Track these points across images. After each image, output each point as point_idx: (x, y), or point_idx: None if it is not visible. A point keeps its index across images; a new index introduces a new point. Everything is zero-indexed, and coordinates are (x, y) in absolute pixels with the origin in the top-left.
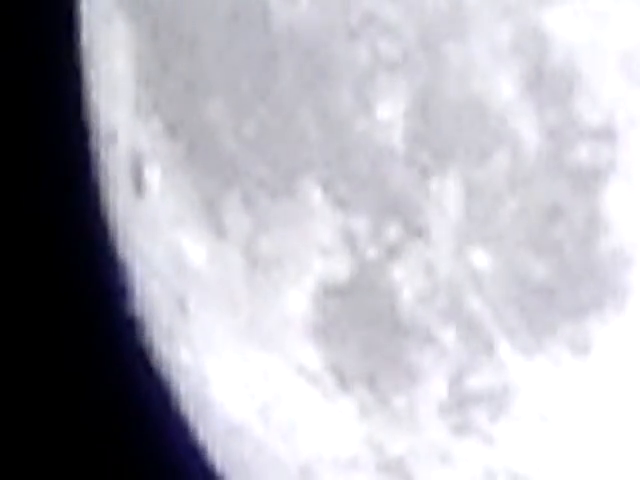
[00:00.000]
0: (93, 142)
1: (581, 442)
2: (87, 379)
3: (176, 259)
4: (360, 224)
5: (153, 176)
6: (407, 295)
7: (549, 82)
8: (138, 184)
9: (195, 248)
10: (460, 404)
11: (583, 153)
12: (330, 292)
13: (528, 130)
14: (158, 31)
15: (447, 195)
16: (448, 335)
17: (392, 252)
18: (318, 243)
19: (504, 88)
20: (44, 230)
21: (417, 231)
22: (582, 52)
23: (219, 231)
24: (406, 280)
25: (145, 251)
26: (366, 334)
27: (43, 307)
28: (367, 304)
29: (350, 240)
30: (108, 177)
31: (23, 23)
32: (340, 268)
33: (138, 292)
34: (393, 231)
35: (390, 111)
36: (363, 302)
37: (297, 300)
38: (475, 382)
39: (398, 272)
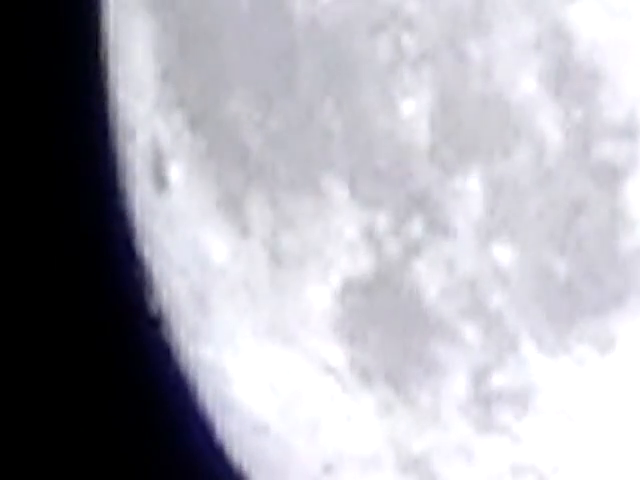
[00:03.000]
0: (115, 138)
1: (605, 439)
2: (108, 377)
3: (198, 256)
4: (383, 220)
5: (175, 172)
6: (430, 292)
7: (572, 78)
8: (160, 180)
9: (218, 245)
10: (484, 402)
11: (606, 149)
12: (353, 288)
13: (551, 126)
14: (180, 26)
15: (470, 191)
16: (471, 332)
17: (415, 248)
18: (341, 239)
19: (527, 84)
20: (65, 227)
21: (440, 227)
22: (605, 48)
23: (242, 227)
24: (429, 277)
25: (167, 248)
26: (389, 331)
27: (64, 305)
28: (390, 301)
29: (373, 236)
30: (130, 173)
31: (46, 19)
32: (363, 264)
33: (160, 289)
34: (416, 227)
35: (413, 107)
36: (386, 299)
37: (320, 297)
38: (499, 379)
39: (421, 268)
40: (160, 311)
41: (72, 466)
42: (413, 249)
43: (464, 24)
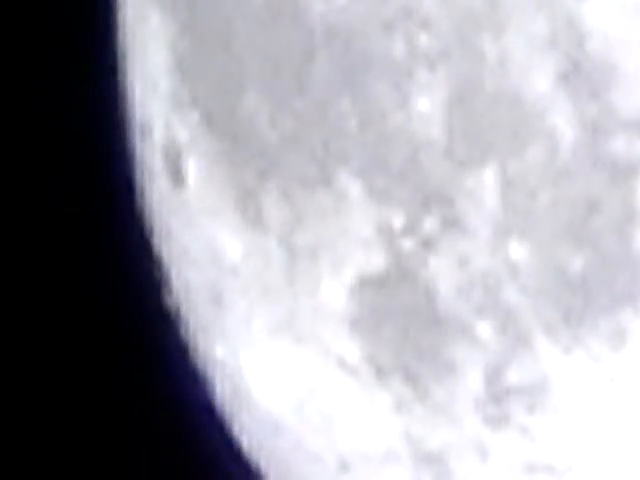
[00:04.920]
0: (130, 135)
1: (619, 436)
2: (123, 373)
3: (213, 251)
4: (397, 216)
5: (190, 168)
6: (444, 288)
7: (585, 75)
8: (175, 176)
9: (232, 240)
10: (497, 397)
11: (619, 146)
12: (367, 284)
13: (564, 123)
14: (194, 23)
15: (484, 187)
16: (485, 328)
17: (429, 244)
18: (355, 235)
19: (540, 81)
20: (80, 223)
21: (455, 224)
22: (618, 44)
23: (256, 223)
24: (443, 272)
25: (182, 244)
26: (403, 327)
27: (80, 301)
28: (404, 296)
29: (387, 232)
30: (145, 170)
31: (60, 16)
32: (377, 260)
33: (175, 285)
34: (430, 223)
35: (427, 104)
36: (400, 294)
37: (334, 292)
38: (512, 375)
39: (435, 264)
40: (176, 308)
41: (85, 464)
42: (427, 246)
43: (478, 22)
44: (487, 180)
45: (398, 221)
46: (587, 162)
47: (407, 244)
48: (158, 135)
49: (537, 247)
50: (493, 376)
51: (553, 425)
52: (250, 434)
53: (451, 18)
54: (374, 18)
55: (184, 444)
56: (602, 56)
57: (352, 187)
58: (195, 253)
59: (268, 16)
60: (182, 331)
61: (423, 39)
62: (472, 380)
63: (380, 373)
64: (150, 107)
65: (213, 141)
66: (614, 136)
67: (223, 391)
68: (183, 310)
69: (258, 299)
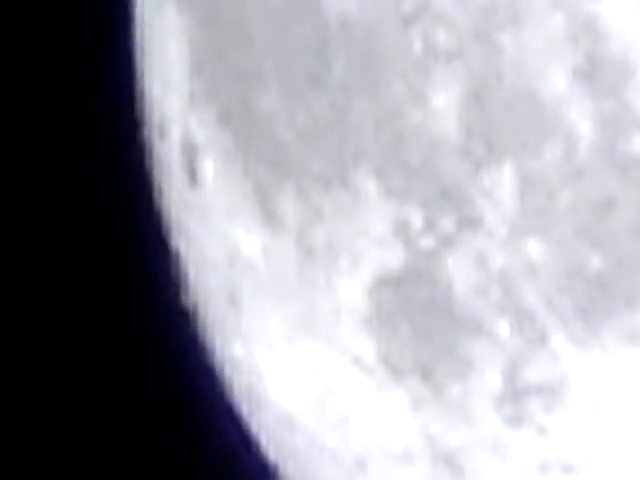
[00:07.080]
0: (146, 132)
1: (635, 434)
2: (138, 371)
3: (229, 250)
4: (414, 214)
5: (206, 166)
6: (461, 286)
7: (602, 73)
8: (191, 174)
9: (248, 239)
10: (514, 396)
11: (636, 144)
12: (383, 283)
13: (582, 121)
14: (211, 20)
15: (501, 186)
16: (502, 326)
17: (446, 243)
18: (372, 234)
19: (558, 79)
20: (97, 221)
21: (471, 222)
22: (635, 43)
23: (272, 222)
24: (460, 271)
25: (198, 242)
26: (419, 325)
27: (95, 298)
28: (420, 295)
29: (403, 231)
30: (162, 167)
31: (77, 12)
32: (393, 259)
33: (191, 283)
34: (447, 222)
35: (444, 101)
36: (416, 293)
37: (350, 291)
38: (529, 373)
39: (452, 263)
40: (192, 306)
41: (100, 461)
42: (444, 244)
43: (496, 18)
44: (504, 178)
45: (415, 220)
46: (604, 160)
47: (424, 243)
48: (175, 133)
49: (554, 246)
50: (510, 375)
51: (570, 424)
52: (267, 432)
53: (468, 15)
54: (391, 15)
55: (201, 442)
56: (620, 54)
57: (369, 185)
58: (212, 251)
59: (285, 14)
60: (199, 329)
61: (440, 36)
62: (489, 379)
63: (397, 372)
64: (167, 105)
65: (230, 139)
66: (631, 134)
67: (240, 389)
68: (200, 309)
69: (274, 298)
